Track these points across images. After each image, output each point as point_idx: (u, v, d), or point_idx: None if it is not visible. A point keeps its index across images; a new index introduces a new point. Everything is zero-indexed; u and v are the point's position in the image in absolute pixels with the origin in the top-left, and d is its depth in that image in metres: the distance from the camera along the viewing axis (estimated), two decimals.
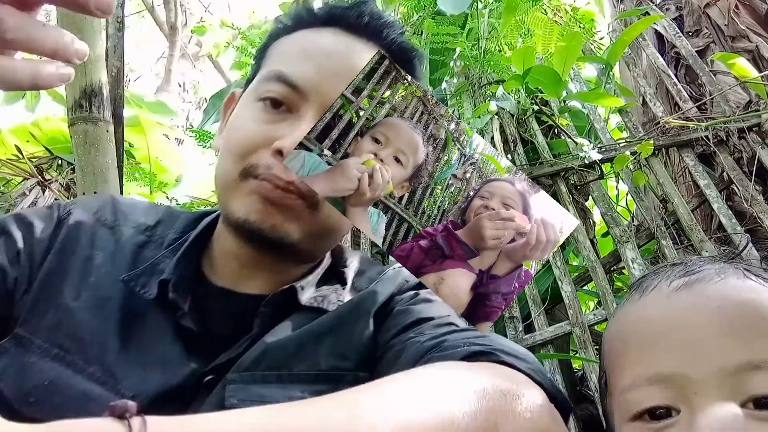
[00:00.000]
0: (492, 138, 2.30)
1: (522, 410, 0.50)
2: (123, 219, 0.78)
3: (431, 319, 0.72)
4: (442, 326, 0.70)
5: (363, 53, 0.74)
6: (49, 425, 0.34)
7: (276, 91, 0.72)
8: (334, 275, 0.80)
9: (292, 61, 0.73)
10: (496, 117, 2.38)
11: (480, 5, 2.73)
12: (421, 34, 2.74)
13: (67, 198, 3.21)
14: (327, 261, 0.82)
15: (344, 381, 0.66)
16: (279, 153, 0.69)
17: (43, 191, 3.14)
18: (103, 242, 0.74)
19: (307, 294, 0.74)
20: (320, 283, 0.78)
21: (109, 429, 0.35)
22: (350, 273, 0.80)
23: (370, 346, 0.71)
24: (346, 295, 0.77)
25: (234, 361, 0.66)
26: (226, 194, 0.73)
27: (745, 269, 0.55)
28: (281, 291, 0.72)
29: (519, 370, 0.57)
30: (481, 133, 2.29)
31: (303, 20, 0.78)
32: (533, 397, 0.53)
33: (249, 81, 0.80)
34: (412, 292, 0.79)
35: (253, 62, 0.82)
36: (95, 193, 1.75)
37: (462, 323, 0.73)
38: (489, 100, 2.43)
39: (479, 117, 2.33)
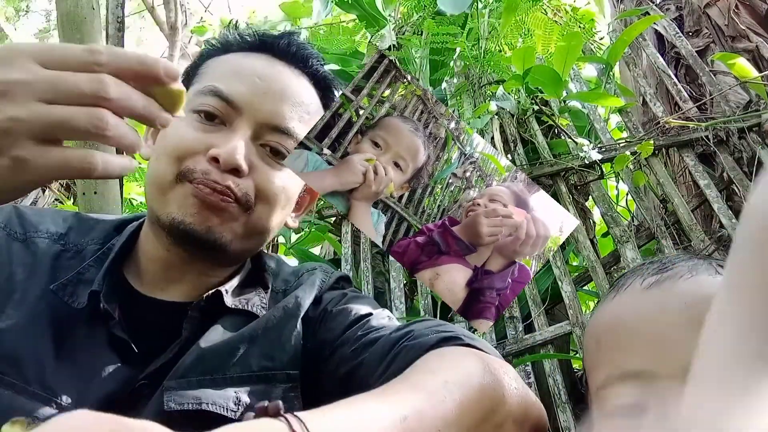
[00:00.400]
0: (492, 138, 2.30)
1: (511, 382, 0.61)
2: (33, 230, 0.78)
3: (370, 314, 0.77)
4: (383, 318, 0.77)
5: (291, 77, 0.82)
6: None
7: (211, 105, 0.76)
8: (256, 279, 0.83)
9: (227, 79, 0.78)
10: (496, 117, 2.38)
11: (480, 5, 2.73)
12: (421, 34, 2.74)
13: (67, 198, 3.21)
14: (248, 265, 0.85)
15: (276, 379, 0.72)
16: (215, 160, 0.72)
17: (43, 191, 3.15)
18: (20, 257, 0.74)
19: (233, 297, 0.77)
20: (243, 287, 0.81)
21: (272, 427, 0.40)
22: (269, 277, 0.84)
23: (300, 347, 0.76)
24: (267, 297, 0.81)
25: (167, 366, 0.69)
26: (160, 196, 0.74)
27: (718, 265, 0.55)
28: (208, 296, 0.75)
29: (479, 350, 0.65)
30: (481, 133, 2.29)
31: (234, 44, 0.84)
32: (510, 370, 0.64)
33: None
34: (339, 292, 0.84)
35: (183, 78, 0.86)
36: (95, 193, 1.75)
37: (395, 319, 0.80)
38: (489, 100, 2.43)
39: (479, 117, 2.34)
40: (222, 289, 0.76)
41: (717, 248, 1.80)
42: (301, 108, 0.80)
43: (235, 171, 0.72)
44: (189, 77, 0.84)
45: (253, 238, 0.78)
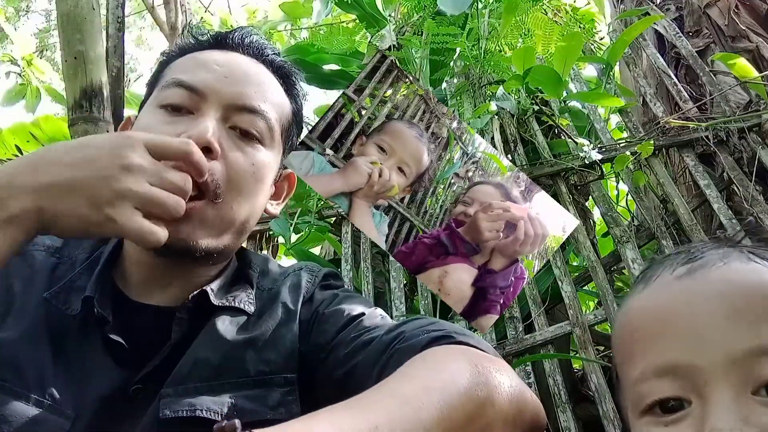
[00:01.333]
0: (492, 138, 2.30)
1: (504, 380, 0.59)
2: (31, 244, 0.77)
3: (363, 314, 0.77)
4: (376, 318, 0.77)
5: (250, 64, 0.83)
6: None
7: (177, 95, 0.76)
8: (241, 276, 0.83)
9: (188, 71, 0.79)
10: (497, 117, 2.38)
11: (480, 5, 2.73)
12: (421, 35, 2.73)
13: None
14: (234, 264, 0.85)
15: (273, 383, 0.72)
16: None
17: None
18: (18, 269, 0.75)
19: (219, 295, 0.77)
20: (230, 285, 0.81)
21: None
22: (254, 274, 0.84)
23: (296, 350, 0.76)
24: (254, 295, 0.81)
25: (160, 369, 0.69)
26: None
27: (749, 252, 0.53)
28: (194, 296, 0.75)
29: (473, 346, 0.64)
30: (482, 133, 2.29)
31: (190, 46, 0.85)
32: (504, 367, 0.62)
33: (143, 105, 0.84)
34: (330, 293, 0.83)
35: (147, 87, 0.86)
36: None
37: (388, 317, 0.79)
38: (489, 100, 2.44)
39: (479, 117, 2.33)
40: (207, 288, 0.76)
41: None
42: (265, 88, 0.80)
43: (208, 150, 0.71)
44: (152, 87, 0.84)
45: (228, 233, 0.77)
